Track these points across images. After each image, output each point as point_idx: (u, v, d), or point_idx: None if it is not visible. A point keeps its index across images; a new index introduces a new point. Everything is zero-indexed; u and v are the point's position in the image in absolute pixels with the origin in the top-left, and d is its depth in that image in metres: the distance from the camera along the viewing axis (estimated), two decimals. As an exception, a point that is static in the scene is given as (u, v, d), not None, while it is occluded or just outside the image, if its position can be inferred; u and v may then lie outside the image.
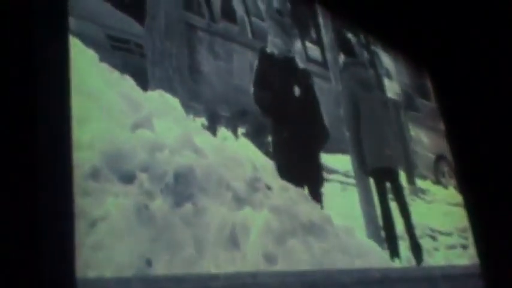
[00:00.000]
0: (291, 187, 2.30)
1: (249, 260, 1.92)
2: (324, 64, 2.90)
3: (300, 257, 2.13)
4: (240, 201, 2.00)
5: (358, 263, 2.40)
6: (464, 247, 3.16)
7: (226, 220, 1.90)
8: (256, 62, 2.42)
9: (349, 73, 2.95)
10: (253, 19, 2.58)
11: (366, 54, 3.25)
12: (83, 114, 1.61)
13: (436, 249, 3.00)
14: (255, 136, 2.29)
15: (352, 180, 2.72)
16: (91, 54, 1.75)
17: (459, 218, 3.25)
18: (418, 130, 3.48)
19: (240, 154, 2.14)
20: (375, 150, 2.87)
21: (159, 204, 1.71)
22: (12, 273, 1.30)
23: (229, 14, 2.47)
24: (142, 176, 1.70)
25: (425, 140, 3.50)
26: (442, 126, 3.53)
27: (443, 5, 3.26)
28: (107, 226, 1.55)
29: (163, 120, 1.87)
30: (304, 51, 2.83)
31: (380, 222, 2.73)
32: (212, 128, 2.10)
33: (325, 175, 2.58)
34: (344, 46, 3.03)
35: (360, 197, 2.70)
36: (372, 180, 2.81)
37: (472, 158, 3.29)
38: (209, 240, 1.81)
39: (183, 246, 1.72)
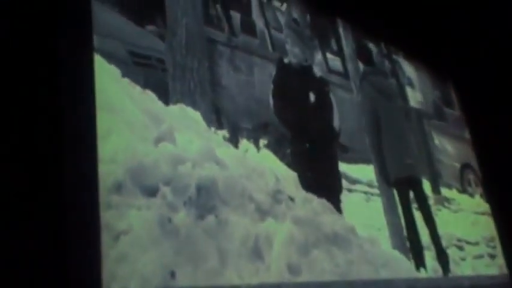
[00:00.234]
0: (314, 198, 2.30)
1: (272, 271, 1.92)
2: (345, 75, 2.91)
3: (324, 267, 2.13)
4: (262, 212, 2.01)
5: (383, 274, 2.38)
6: (492, 256, 3.11)
7: (249, 232, 1.91)
8: (273, 73, 2.44)
9: (368, 82, 2.95)
10: (273, 32, 2.60)
11: (387, 64, 3.24)
12: (106, 129, 1.64)
13: (463, 259, 2.96)
14: (277, 147, 2.30)
15: (376, 190, 2.71)
16: (113, 70, 1.79)
17: (486, 227, 3.20)
18: (442, 139, 3.45)
19: (262, 166, 2.15)
20: (396, 159, 2.85)
21: (182, 216, 1.73)
22: (39, 286, 1.32)
23: (249, 27, 2.50)
24: (165, 189, 1.72)
25: (449, 148, 3.47)
26: (467, 134, 3.50)
27: (465, 13, 3.24)
28: (131, 239, 1.57)
29: (185, 134, 1.89)
30: (325, 62, 2.84)
31: (405, 232, 2.71)
32: (234, 140, 2.12)
33: (349, 185, 2.58)
34: (363, 55, 3.03)
35: (384, 207, 2.69)
36: (395, 190, 2.79)
37: (499, 166, 3.24)
38: (232, 252, 1.82)
39: (206, 258, 1.74)
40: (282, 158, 2.29)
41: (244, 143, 2.17)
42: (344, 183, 2.55)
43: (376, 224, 2.59)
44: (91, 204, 1.49)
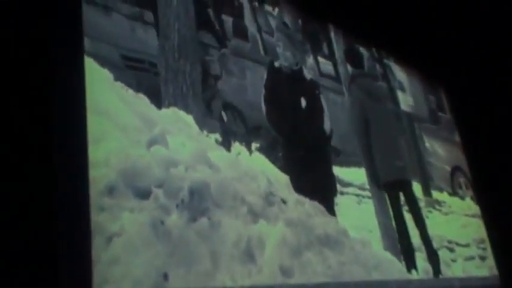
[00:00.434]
0: (306, 200, 2.32)
1: (265, 273, 1.93)
2: (336, 78, 2.93)
3: (316, 269, 2.14)
4: (255, 215, 2.02)
5: (375, 275, 2.39)
6: (483, 258, 3.13)
7: (241, 234, 1.92)
8: (265, 76, 2.46)
9: (357, 84, 2.97)
10: (265, 36, 2.62)
11: (378, 68, 3.27)
12: (99, 132, 1.65)
13: (454, 260, 2.98)
14: (269, 151, 2.31)
15: (367, 193, 2.73)
16: (106, 73, 1.80)
17: (477, 229, 3.22)
18: (433, 142, 3.48)
19: (254, 169, 2.17)
20: (386, 162, 2.87)
21: (175, 219, 1.74)
22: (30, 290, 1.32)
23: (241, 31, 2.51)
24: (158, 192, 1.73)
25: (440, 151, 3.50)
26: (457, 137, 3.52)
27: (455, 17, 3.27)
28: (124, 241, 1.58)
29: (177, 137, 1.91)
30: (317, 66, 2.86)
31: (397, 233, 2.73)
32: (226, 143, 2.14)
33: (341, 188, 2.60)
34: (351, 58, 3.05)
35: (375, 209, 2.70)
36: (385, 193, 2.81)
37: (489, 169, 3.27)
38: (225, 254, 1.83)
39: (199, 260, 1.75)
40: (274, 161, 2.30)
41: (236, 146, 2.18)
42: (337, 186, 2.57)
43: (368, 226, 2.61)
44: (82, 207, 1.49)
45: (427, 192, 3.15)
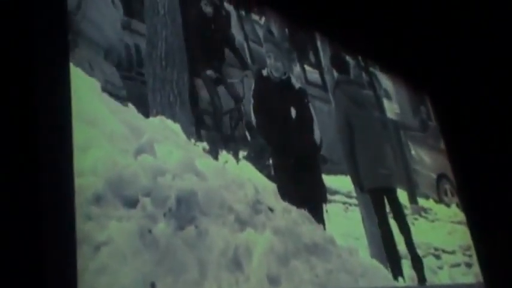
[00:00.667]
0: (293, 209, 2.33)
1: (252, 281, 1.94)
2: (323, 87, 2.95)
3: (304, 278, 2.15)
4: (242, 223, 2.03)
5: (362, 283, 2.41)
6: (469, 265, 3.16)
7: (229, 242, 1.93)
8: (252, 86, 2.47)
9: (341, 90, 2.99)
10: (252, 45, 2.63)
11: (364, 76, 3.30)
12: (86, 141, 1.66)
13: (440, 267, 3.00)
14: (257, 159, 2.32)
15: (354, 201, 2.75)
16: (94, 82, 1.80)
17: (463, 236, 3.25)
18: (419, 149, 3.50)
19: (241, 177, 2.18)
20: (370, 169, 2.90)
21: (162, 227, 1.74)
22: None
23: (228, 40, 2.53)
24: (145, 201, 1.74)
25: (426, 159, 3.52)
26: (442, 145, 3.56)
27: (439, 26, 3.31)
28: (111, 250, 1.58)
29: (165, 145, 1.91)
30: (304, 74, 2.88)
31: (382, 241, 2.74)
32: (213, 152, 2.14)
33: (328, 196, 2.61)
34: (337, 64, 3.07)
35: (362, 216, 2.72)
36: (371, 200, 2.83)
37: (473, 176, 3.30)
38: (212, 263, 1.84)
39: (186, 269, 1.75)
40: (262, 169, 2.31)
41: (223, 154, 2.19)
42: (324, 194, 2.59)
43: (355, 233, 2.62)
44: (67, 216, 1.49)
45: (413, 199, 3.17)
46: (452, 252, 3.15)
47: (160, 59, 2.09)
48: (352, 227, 2.64)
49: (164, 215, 1.76)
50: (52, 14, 1.65)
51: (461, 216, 3.36)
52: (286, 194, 2.32)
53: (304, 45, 3.00)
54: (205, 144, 2.13)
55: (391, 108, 3.43)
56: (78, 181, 1.57)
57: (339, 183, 2.70)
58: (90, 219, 1.58)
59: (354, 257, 2.46)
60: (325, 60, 3.02)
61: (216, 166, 2.10)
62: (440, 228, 3.25)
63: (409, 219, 3.01)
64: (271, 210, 2.19)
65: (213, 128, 2.24)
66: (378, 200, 2.85)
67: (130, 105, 1.91)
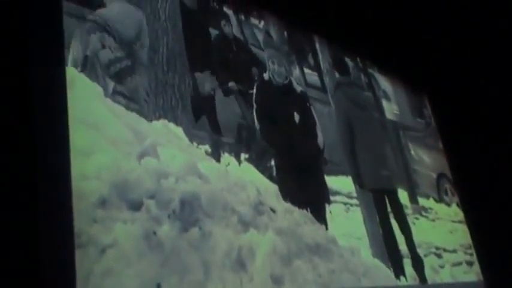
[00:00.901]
0: (295, 209, 2.35)
1: (256, 282, 1.96)
2: (322, 89, 2.97)
3: (307, 277, 2.17)
4: (245, 224, 2.05)
5: (365, 282, 2.43)
6: (470, 264, 3.18)
7: (232, 243, 1.95)
8: (254, 91, 2.49)
9: (342, 92, 3.02)
10: (252, 48, 2.66)
11: (363, 77, 3.32)
12: (90, 145, 1.68)
13: (442, 266, 3.02)
14: (258, 161, 2.34)
15: (355, 201, 2.77)
16: (97, 87, 1.83)
17: (463, 235, 3.27)
18: (419, 149, 3.53)
19: (243, 179, 2.20)
20: (371, 170, 2.92)
21: (167, 229, 1.76)
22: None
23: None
24: (150, 203, 1.76)
25: (426, 159, 3.55)
26: (441, 145, 3.58)
27: (437, 27, 3.33)
28: (117, 252, 1.60)
29: (167, 149, 1.93)
30: (303, 77, 2.91)
31: (384, 241, 2.76)
32: (216, 155, 2.17)
33: (330, 197, 2.63)
34: (339, 65, 3.10)
35: (363, 216, 2.74)
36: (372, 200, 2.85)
37: (472, 175, 3.33)
38: (216, 264, 1.86)
39: (191, 270, 1.77)
40: (263, 171, 2.34)
41: (225, 157, 2.21)
42: (325, 194, 2.61)
43: (357, 233, 2.64)
44: (66, 221, 1.50)
45: (413, 199, 3.20)
46: (454, 251, 3.17)
47: (162, 64, 2.12)
48: (353, 227, 2.66)
49: (168, 217, 1.79)
50: (47, 15, 1.66)
51: (461, 215, 3.38)
52: (288, 195, 2.34)
53: (303, 47, 3.03)
54: (207, 147, 2.15)
55: (390, 109, 3.46)
56: (82, 185, 1.59)
57: (339, 184, 2.73)
58: (95, 222, 1.60)
59: (355, 257, 2.49)
60: (324, 63, 3.04)
61: (218, 168, 2.13)
62: (441, 227, 3.27)
63: (410, 218, 3.03)
64: (273, 211, 2.22)
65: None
66: (379, 200, 2.87)
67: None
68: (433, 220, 3.26)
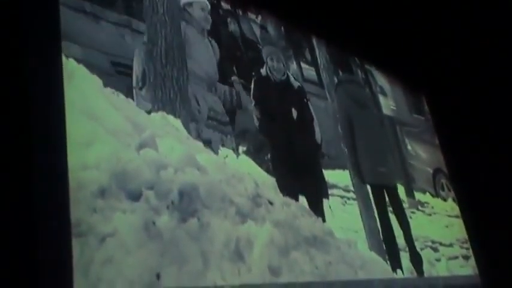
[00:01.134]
0: (292, 202, 2.37)
1: (254, 272, 1.98)
2: (319, 84, 2.99)
3: (304, 269, 2.19)
4: (243, 216, 2.07)
5: (361, 275, 2.45)
6: (466, 258, 3.20)
7: (230, 234, 1.97)
8: (252, 86, 2.51)
9: (343, 89, 3.04)
10: (250, 44, 2.68)
11: (360, 73, 3.34)
12: (90, 136, 1.70)
13: (438, 260, 3.04)
14: (256, 154, 2.36)
15: (352, 195, 2.79)
16: (96, 79, 1.85)
17: (459, 229, 3.28)
18: (415, 145, 3.55)
19: (241, 171, 2.22)
20: (370, 167, 2.94)
21: (166, 220, 1.78)
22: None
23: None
24: (149, 194, 1.77)
25: (422, 154, 3.57)
26: (437, 140, 3.60)
27: (434, 24, 3.35)
28: (116, 241, 1.62)
29: (166, 140, 1.95)
30: (300, 72, 2.93)
31: (381, 234, 2.79)
32: (214, 147, 2.19)
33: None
34: (342, 63, 3.12)
35: (360, 210, 2.76)
36: (371, 195, 2.87)
37: (468, 171, 3.34)
38: (215, 254, 1.88)
39: (189, 259, 1.79)
40: (261, 163, 2.35)
41: (223, 149, 2.23)
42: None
43: (354, 226, 2.66)
44: (62, 214, 1.51)
45: (410, 193, 3.22)
46: (450, 245, 3.19)
47: (160, 57, 2.14)
48: (350, 220, 2.68)
49: (167, 207, 1.80)
50: (44, 10, 1.67)
51: (457, 210, 3.40)
52: (285, 188, 2.36)
53: (300, 42, 3.05)
54: (205, 139, 2.17)
55: (387, 105, 3.48)
56: (82, 175, 1.61)
57: (336, 177, 2.75)
58: (95, 212, 1.62)
59: (352, 250, 2.51)
60: (321, 58, 3.06)
61: (216, 160, 2.15)
62: (438, 221, 3.30)
63: (407, 212, 3.05)
64: (270, 203, 2.24)
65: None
66: (378, 195, 2.89)
67: (132, 101, 1.96)
68: (430, 214, 3.28)
